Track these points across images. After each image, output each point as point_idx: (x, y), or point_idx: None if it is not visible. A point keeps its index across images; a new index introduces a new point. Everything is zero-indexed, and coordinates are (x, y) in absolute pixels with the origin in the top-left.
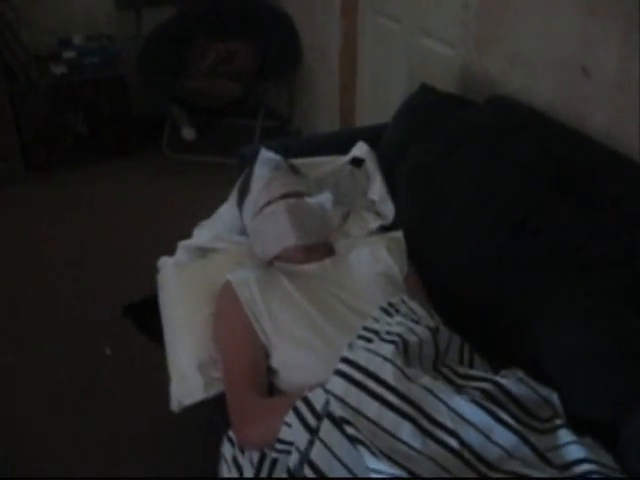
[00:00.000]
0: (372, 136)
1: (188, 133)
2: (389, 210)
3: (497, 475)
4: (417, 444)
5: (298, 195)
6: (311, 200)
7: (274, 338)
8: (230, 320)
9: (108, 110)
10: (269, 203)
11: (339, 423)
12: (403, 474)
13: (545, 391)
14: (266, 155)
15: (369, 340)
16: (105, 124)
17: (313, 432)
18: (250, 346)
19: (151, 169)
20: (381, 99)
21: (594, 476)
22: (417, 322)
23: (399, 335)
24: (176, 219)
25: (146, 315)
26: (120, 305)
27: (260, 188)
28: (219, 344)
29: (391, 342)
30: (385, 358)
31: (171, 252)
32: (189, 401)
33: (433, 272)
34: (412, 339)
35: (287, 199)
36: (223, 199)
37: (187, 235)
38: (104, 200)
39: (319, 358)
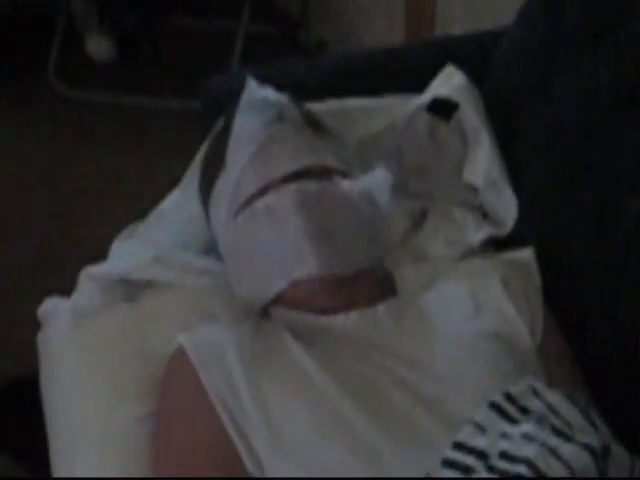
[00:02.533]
0: (471, 55)
1: (100, 47)
2: (506, 206)
3: None
4: None
5: (323, 174)
6: (349, 186)
7: (273, 462)
8: (185, 428)
9: None
10: (265, 190)
11: None
12: None
13: None
14: (257, 94)
15: (466, 470)
16: None
17: None
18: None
19: (29, 119)
20: None
21: None
22: (565, 435)
23: (528, 462)
24: (79, 218)
25: (13, 415)
26: None
27: (247, 159)
28: (162, 476)
29: (512, 477)
30: None
31: (67, 286)
32: None
33: (595, 332)
34: (555, 468)
35: (301, 183)
36: (172, 181)
37: (100, 251)
38: None
39: None
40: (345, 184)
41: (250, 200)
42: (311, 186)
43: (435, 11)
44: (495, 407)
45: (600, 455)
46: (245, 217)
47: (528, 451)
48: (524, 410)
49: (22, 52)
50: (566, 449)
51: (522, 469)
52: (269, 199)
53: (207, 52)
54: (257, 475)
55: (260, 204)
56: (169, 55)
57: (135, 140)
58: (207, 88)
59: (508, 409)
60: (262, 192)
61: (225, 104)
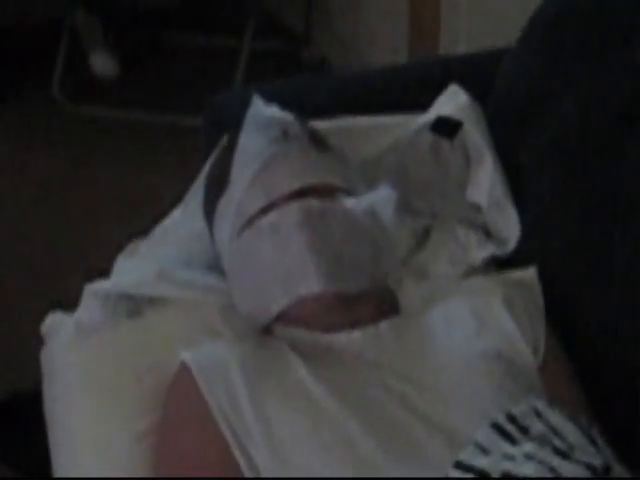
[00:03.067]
0: (474, 74)
1: (104, 63)
2: (509, 225)
3: None
4: None
5: (327, 192)
6: (353, 204)
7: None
8: (187, 445)
9: None
10: (269, 208)
11: None
12: None
13: None
14: (262, 112)
15: None
16: None
17: None
18: None
19: (32, 134)
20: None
21: None
22: (565, 455)
23: None
24: (81, 233)
25: (16, 429)
26: None
27: (251, 177)
28: None
29: None
30: None
31: (71, 302)
32: None
33: (598, 350)
34: None
35: (305, 201)
36: (175, 197)
37: (103, 267)
38: None
39: None
40: (349, 202)
41: (255, 218)
42: (315, 204)
43: (439, 29)
44: (496, 427)
45: (601, 474)
46: (249, 235)
47: (528, 469)
48: (525, 430)
49: (26, 68)
50: (566, 468)
51: None
52: (273, 217)
53: (210, 68)
54: None
55: (264, 222)
56: (172, 71)
57: (138, 156)
58: (210, 104)
59: (509, 429)
60: (267, 210)
61: (228, 121)
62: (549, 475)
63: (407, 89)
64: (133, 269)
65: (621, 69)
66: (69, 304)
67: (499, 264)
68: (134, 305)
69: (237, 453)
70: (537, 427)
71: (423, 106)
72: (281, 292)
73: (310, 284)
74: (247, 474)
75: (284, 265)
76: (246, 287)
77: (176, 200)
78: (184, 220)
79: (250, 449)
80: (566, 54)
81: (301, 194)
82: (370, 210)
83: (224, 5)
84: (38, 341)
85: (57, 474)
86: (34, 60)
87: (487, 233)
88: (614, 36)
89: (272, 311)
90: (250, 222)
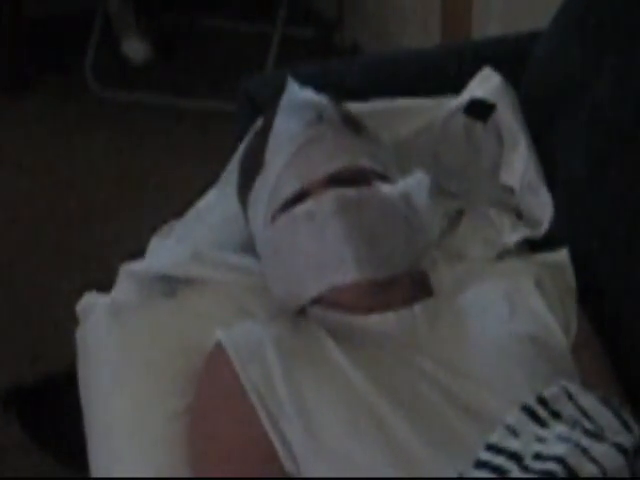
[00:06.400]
0: (507, 57)
1: (136, 49)
2: (542, 208)
3: None
4: None
5: (361, 177)
6: (388, 190)
7: (307, 457)
8: (221, 423)
9: None
10: (304, 194)
11: None
12: None
13: None
14: (297, 95)
15: (500, 470)
16: None
17: None
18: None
19: (65, 118)
20: None
21: None
22: (596, 435)
23: (561, 461)
24: (115, 215)
25: (50, 412)
26: None
27: (286, 160)
28: (199, 474)
29: (546, 477)
30: None
31: (105, 283)
32: None
33: (630, 333)
34: (587, 469)
35: (340, 189)
36: (208, 181)
37: (138, 249)
38: None
39: None
40: (384, 188)
41: (289, 204)
42: (350, 192)
43: (471, 13)
44: (527, 410)
45: (631, 455)
46: (283, 221)
47: (559, 449)
48: (556, 414)
49: (59, 52)
50: (598, 449)
51: (553, 466)
52: (308, 205)
53: (242, 54)
54: (292, 470)
55: (299, 210)
56: (204, 56)
57: (169, 140)
58: (243, 88)
59: (540, 412)
60: (301, 197)
61: (260, 104)
62: (580, 455)
63: (439, 72)
64: (168, 250)
65: None
66: (104, 285)
67: (532, 246)
68: (169, 286)
69: (271, 432)
70: (568, 411)
71: (456, 89)
72: (315, 280)
73: (345, 274)
74: (281, 453)
75: (319, 254)
76: (280, 273)
77: (210, 183)
78: (218, 202)
79: (284, 428)
80: (602, 36)
81: (336, 180)
82: (405, 196)
83: None
84: (73, 322)
85: (91, 454)
86: (66, 44)
87: (520, 215)
88: None
89: (305, 297)
90: (285, 207)
